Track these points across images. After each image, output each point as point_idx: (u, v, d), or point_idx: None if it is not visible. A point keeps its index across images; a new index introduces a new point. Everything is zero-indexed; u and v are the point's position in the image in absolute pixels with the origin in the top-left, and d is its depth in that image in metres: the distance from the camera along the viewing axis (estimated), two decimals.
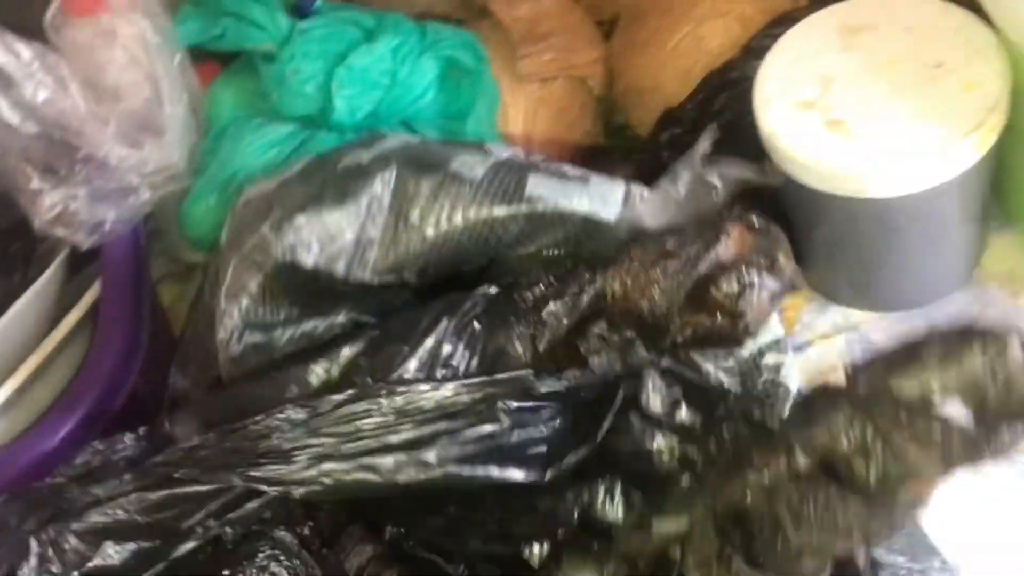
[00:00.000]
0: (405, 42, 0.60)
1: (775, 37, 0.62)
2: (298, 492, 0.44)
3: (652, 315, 0.44)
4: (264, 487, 0.44)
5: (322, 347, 0.46)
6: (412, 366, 0.44)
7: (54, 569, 0.45)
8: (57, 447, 0.53)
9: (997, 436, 0.38)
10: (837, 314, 0.65)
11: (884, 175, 0.53)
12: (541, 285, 0.46)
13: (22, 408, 0.58)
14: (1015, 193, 0.63)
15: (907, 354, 0.41)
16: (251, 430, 0.44)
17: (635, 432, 0.46)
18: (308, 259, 0.45)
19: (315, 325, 0.49)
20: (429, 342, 0.45)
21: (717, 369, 0.47)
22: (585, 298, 0.45)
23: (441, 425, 0.44)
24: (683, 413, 0.46)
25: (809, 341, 0.64)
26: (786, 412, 0.47)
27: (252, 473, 0.44)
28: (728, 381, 0.47)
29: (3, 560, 0.45)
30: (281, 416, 0.44)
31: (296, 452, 0.44)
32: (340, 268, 0.46)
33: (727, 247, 0.44)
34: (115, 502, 0.45)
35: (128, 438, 0.50)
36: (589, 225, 0.47)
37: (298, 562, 0.45)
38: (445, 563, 0.47)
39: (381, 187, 0.46)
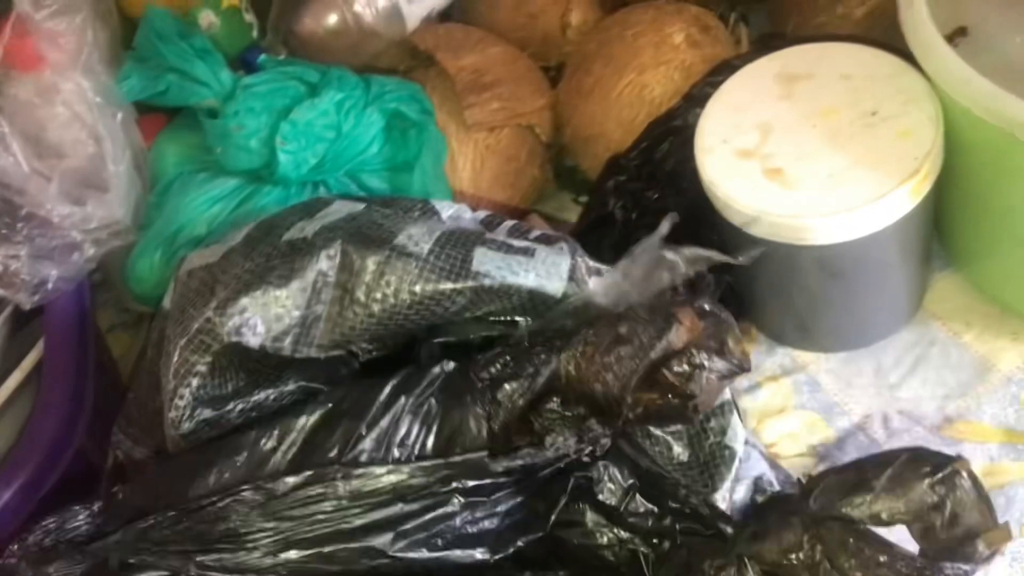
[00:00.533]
0: (349, 96, 0.60)
1: (716, 85, 0.63)
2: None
3: (605, 397, 0.44)
4: None
5: (273, 417, 0.46)
6: (367, 446, 0.44)
7: None
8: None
9: (940, 570, 0.39)
10: (784, 356, 0.65)
11: (822, 223, 0.54)
12: (498, 364, 0.45)
13: None
14: (954, 235, 0.64)
15: (857, 476, 0.41)
16: (208, 511, 0.43)
17: (587, 525, 0.46)
18: (254, 340, 0.45)
19: (267, 395, 0.48)
20: (385, 421, 0.44)
21: (665, 434, 0.47)
22: (540, 379, 0.45)
23: (395, 509, 0.44)
24: (636, 502, 0.46)
25: (758, 383, 0.65)
26: (730, 476, 0.47)
27: (209, 561, 0.43)
28: (676, 445, 0.47)
29: None
30: (238, 497, 0.43)
31: (254, 537, 0.43)
32: (286, 346, 0.45)
33: (679, 334, 0.45)
34: None
35: (81, 515, 0.49)
36: (535, 297, 0.47)
37: None
38: None
39: (327, 263, 0.46)
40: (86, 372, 0.58)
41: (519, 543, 0.45)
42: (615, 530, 0.46)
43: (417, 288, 0.46)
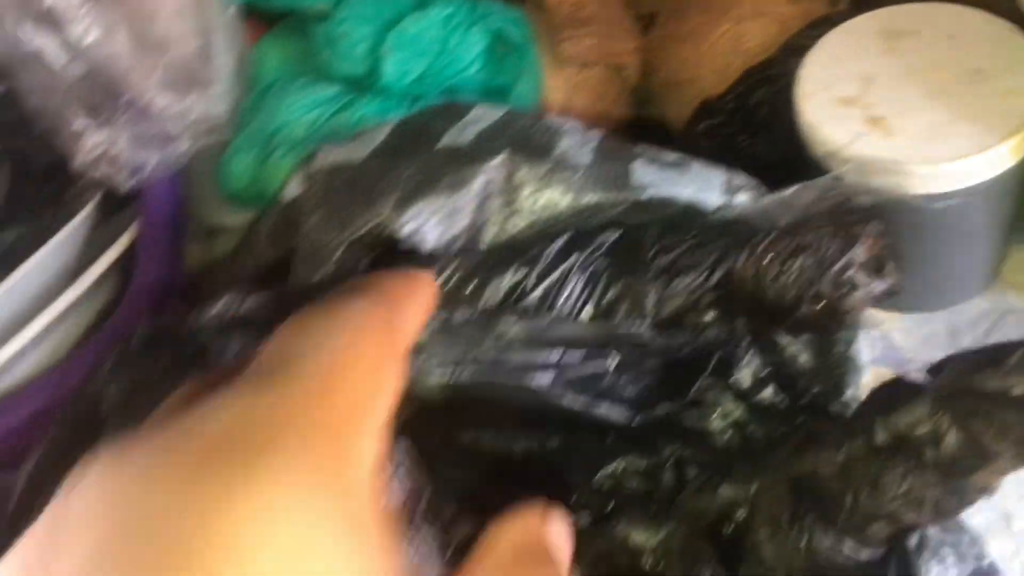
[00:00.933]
0: (457, 12, 0.61)
1: (814, 38, 0.63)
2: (422, 387, 0.45)
3: (777, 303, 0.45)
4: None
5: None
6: (537, 295, 0.45)
7: None
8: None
9: None
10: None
11: (921, 171, 0.54)
12: (675, 252, 0.46)
13: (50, 344, 0.58)
14: None
15: (988, 354, 0.42)
16: None
17: (714, 402, 0.48)
18: (428, 243, 0.46)
19: None
20: (555, 275, 0.45)
21: (796, 340, 0.48)
22: (715, 276, 0.46)
23: (556, 355, 0.46)
24: (767, 392, 0.48)
25: None
26: (855, 386, 0.48)
27: None
28: (804, 353, 0.48)
29: None
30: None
31: (429, 350, 0.45)
32: (457, 247, 0.46)
33: (860, 252, 0.46)
34: None
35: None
36: (689, 211, 0.48)
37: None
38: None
39: (493, 172, 0.46)
40: (180, 254, 0.59)
41: (657, 410, 0.47)
42: (736, 413, 0.47)
43: (579, 198, 0.46)
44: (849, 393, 0.48)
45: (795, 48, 0.65)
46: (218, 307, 0.48)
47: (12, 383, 0.57)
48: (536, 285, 0.46)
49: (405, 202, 0.46)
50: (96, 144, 0.59)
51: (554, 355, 0.46)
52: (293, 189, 0.51)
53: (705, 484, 0.47)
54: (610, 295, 0.46)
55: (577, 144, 0.48)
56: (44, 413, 0.54)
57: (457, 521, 0.49)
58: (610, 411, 0.47)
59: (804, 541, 0.43)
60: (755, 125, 0.65)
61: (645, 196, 0.47)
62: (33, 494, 0.47)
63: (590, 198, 0.46)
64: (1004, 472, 0.41)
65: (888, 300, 0.48)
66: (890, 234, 0.48)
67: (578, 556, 0.49)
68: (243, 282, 0.55)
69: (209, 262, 0.73)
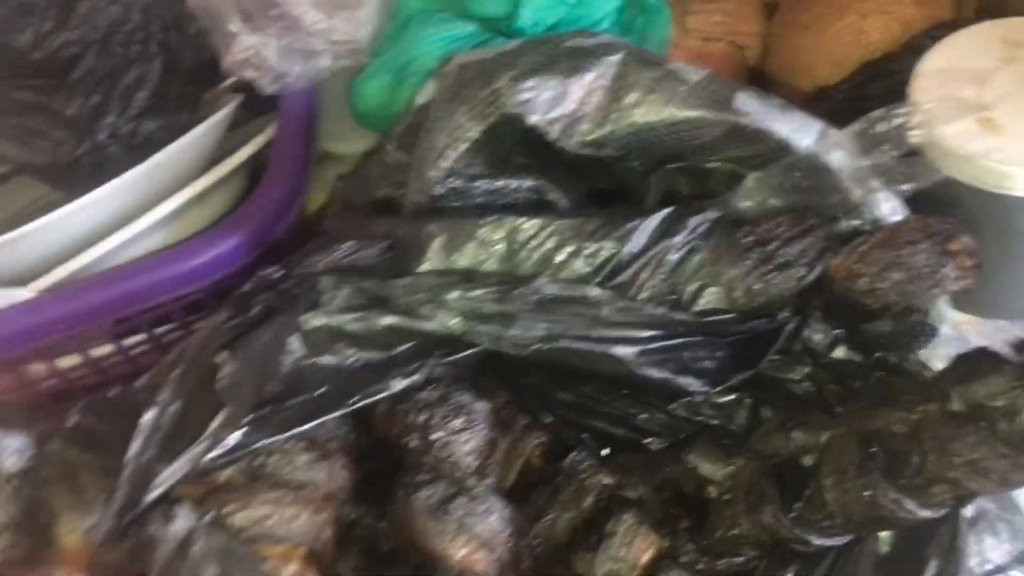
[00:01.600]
0: None
1: (935, 39, 0.65)
2: (516, 351, 0.48)
3: (868, 308, 0.49)
4: (485, 342, 0.49)
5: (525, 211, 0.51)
6: (628, 274, 0.49)
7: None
8: (226, 259, 0.59)
9: None
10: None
11: None
12: (772, 244, 0.50)
13: (178, 227, 0.63)
14: None
15: None
16: (491, 291, 0.48)
17: (790, 358, 0.51)
18: (533, 117, 0.49)
19: (507, 183, 0.53)
20: (647, 256, 0.49)
21: None
22: (811, 275, 0.50)
23: (642, 333, 0.49)
24: (840, 351, 0.51)
25: None
26: (929, 350, 0.50)
27: (483, 329, 0.49)
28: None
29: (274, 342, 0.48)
30: (522, 288, 0.48)
31: (522, 316, 0.48)
32: (555, 131, 0.50)
33: (951, 270, 0.49)
34: (348, 313, 0.48)
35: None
36: (782, 150, 0.50)
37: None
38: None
39: (607, 68, 0.50)
40: (309, 160, 0.63)
41: (732, 380, 0.50)
42: (812, 369, 0.50)
43: (679, 111, 0.50)
44: (923, 353, 0.51)
45: (916, 48, 0.67)
46: (334, 254, 0.53)
47: (137, 257, 0.62)
48: (629, 263, 0.50)
49: (521, 78, 0.50)
50: (247, 47, 0.64)
51: (639, 333, 0.49)
52: (425, 96, 0.55)
53: (779, 427, 0.49)
54: (701, 280, 0.49)
55: (688, 68, 0.51)
56: (163, 284, 0.59)
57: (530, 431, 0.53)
58: (689, 383, 0.49)
59: (868, 493, 0.46)
60: (866, 115, 0.66)
61: (744, 121, 0.50)
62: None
63: (691, 113, 0.49)
64: None
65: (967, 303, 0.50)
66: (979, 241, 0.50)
67: (647, 477, 0.52)
68: (364, 205, 0.60)
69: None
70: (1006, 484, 0.44)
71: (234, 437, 0.45)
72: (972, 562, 0.49)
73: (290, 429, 0.46)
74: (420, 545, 0.47)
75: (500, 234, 0.51)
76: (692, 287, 0.50)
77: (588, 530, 0.49)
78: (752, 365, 0.50)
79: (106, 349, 0.63)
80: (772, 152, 0.52)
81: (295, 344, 0.48)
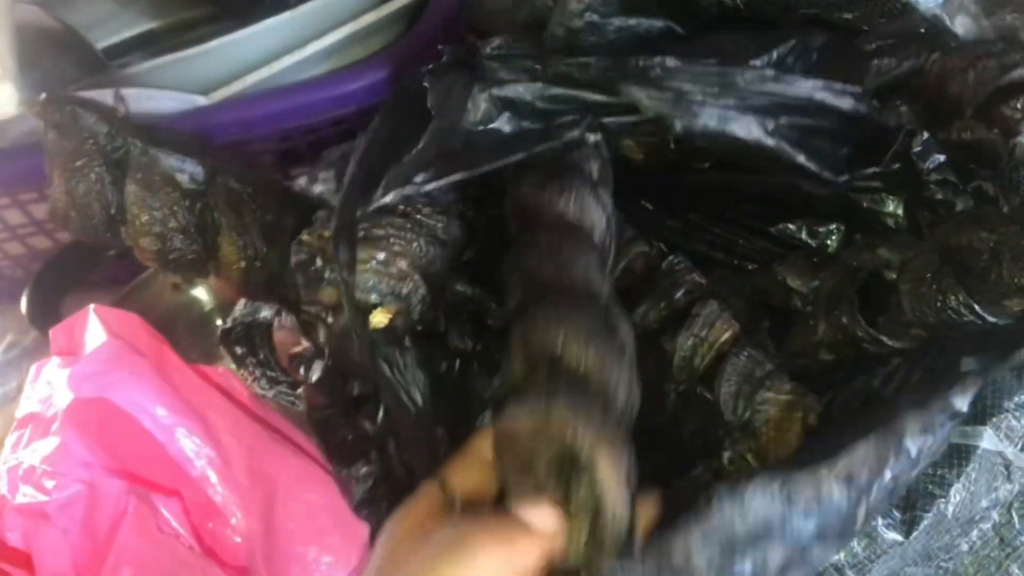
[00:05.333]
0: None
1: None
2: (676, 124, 0.51)
3: (958, 99, 0.51)
4: (647, 107, 0.51)
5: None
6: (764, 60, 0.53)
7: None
8: (375, 88, 0.66)
9: None
10: None
11: None
12: (885, 48, 0.54)
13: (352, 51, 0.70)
14: None
15: None
16: (639, 66, 0.51)
17: (882, 189, 0.54)
18: None
19: (639, 22, 0.57)
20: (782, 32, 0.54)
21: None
22: (907, 65, 0.53)
23: (781, 112, 0.52)
24: (941, 179, 0.53)
25: None
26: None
27: (640, 92, 0.51)
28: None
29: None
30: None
31: (669, 87, 0.51)
32: None
33: None
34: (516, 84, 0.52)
35: None
36: (908, 8, 0.54)
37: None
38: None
39: None
40: (463, 8, 0.70)
41: (862, 170, 0.52)
42: (907, 199, 0.53)
43: None
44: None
45: None
46: (495, 43, 0.58)
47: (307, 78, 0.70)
48: (768, 46, 0.53)
49: None
50: None
51: (775, 110, 0.52)
52: None
53: (867, 244, 0.52)
54: (830, 60, 0.52)
55: None
56: (320, 103, 0.67)
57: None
58: (819, 167, 0.52)
59: (941, 298, 0.48)
60: None
61: None
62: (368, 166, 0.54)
63: None
64: None
65: None
66: None
67: (737, 290, 0.56)
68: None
69: None
70: None
71: (432, 165, 0.49)
72: None
73: (471, 169, 0.50)
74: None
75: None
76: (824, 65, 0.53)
77: (677, 321, 0.53)
78: (874, 163, 0.53)
79: None
80: (899, 11, 0.55)
81: (469, 110, 0.51)
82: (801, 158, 0.52)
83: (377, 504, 0.50)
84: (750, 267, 0.57)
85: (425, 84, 0.52)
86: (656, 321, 0.54)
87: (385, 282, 0.48)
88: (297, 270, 0.49)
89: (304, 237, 0.50)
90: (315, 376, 0.52)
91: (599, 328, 0.44)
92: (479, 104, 0.51)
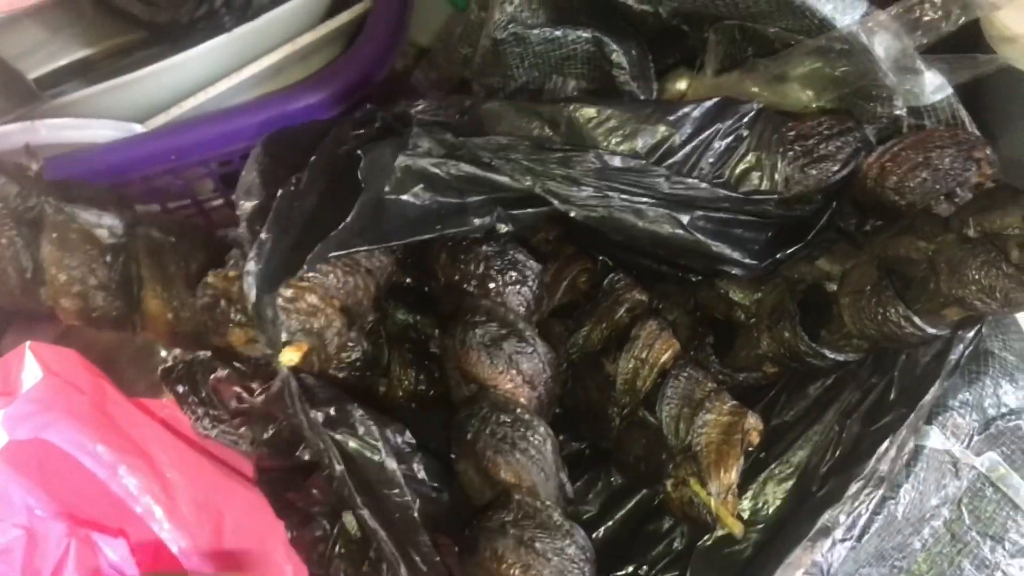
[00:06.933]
0: None
1: None
2: (577, 214, 0.52)
3: (895, 204, 0.53)
4: (555, 201, 0.52)
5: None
6: (681, 154, 0.52)
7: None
8: (316, 108, 0.65)
9: None
10: None
11: None
12: (815, 137, 0.54)
13: (284, 78, 0.69)
14: None
15: None
16: (556, 156, 0.51)
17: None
18: None
19: (565, 33, 0.57)
20: (697, 140, 0.52)
21: None
22: (845, 170, 0.53)
23: (698, 206, 0.53)
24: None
25: None
26: None
27: (550, 186, 0.52)
28: None
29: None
30: (586, 155, 0.51)
31: (585, 182, 0.52)
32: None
33: (974, 176, 0.53)
34: (430, 158, 0.51)
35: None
36: (824, 26, 0.54)
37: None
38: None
39: None
40: (400, 30, 0.69)
41: (778, 256, 0.53)
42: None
43: None
44: None
45: None
46: (421, 106, 0.58)
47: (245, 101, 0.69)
48: (681, 146, 0.53)
49: None
50: None
51: (695, 204, 0.52)
52: None
53: (806, 255, 0.53)
54: (746, 165, 0.52)
55: None
56: (259, 127, 0.66)
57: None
58: (740, 256, 0.53)
59: (881, 311, 0.49)
60: None
61: None
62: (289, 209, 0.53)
63: None
64: None
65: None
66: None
67: (680, 303, 0.56)
68: (447, 61, 0.65)
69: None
70: (1010, 305, 0.46)
71: (356, 237, 0.48)
72: (987, 403, 0.52)
73: (379, 243, 0.50)
74: (473, 375, 0.52)
75: (563, 116, 0.53)
76: (738, 171, 0.54)
77: (619, 340, 0.53)
78: (794, 244, 0.54)
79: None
80: (817, 29, 0.55)
81: (387, 178, 0.51)
82: (721, 249, 0.52)
83: (332, 564, 0.49)
84: (693, 279, 0.57)
85: (358, 152, 0.51)
86: (598, 342, 0.54)
87: (294, 318, 0.47)
88: (204, 313, 0.48)
89: (209, 279, 0.49)
90: (265, 436, 0.51)
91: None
92: (398, 174, 0.51)
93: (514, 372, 0.50)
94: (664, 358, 0.51)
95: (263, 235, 0.46)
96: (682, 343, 0.52)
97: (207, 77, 0.68)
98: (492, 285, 0.53)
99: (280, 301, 0.45)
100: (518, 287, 0.53)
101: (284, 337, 0.45)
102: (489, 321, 0.51)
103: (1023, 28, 0.59)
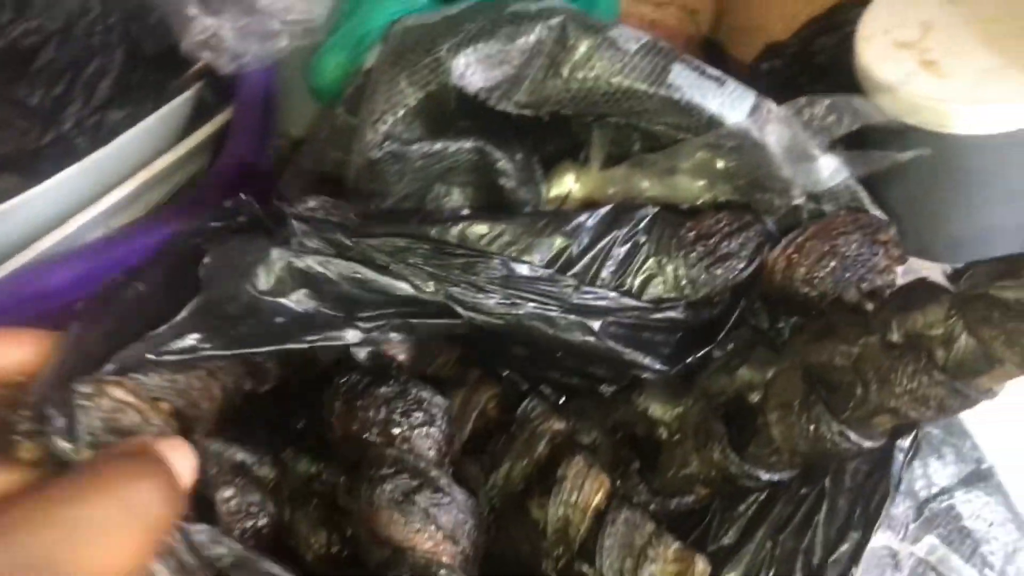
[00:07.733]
0: None
1: None
2: (481, 320, 0.49)
3: (804, 297, 0.51)
4: (459, 308, 0.48)
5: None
6: (582, 264, 0.50)
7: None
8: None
9: None
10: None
11: (968, 111, 0.57)
12: (715, 237, 0.52)
13: (144, 203, 0.64)
14: None
15: (1008, 265, 0.43)
16: (459, 261, 0.48)
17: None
18: (475, 84, 0.51)
19: (447, 146, 0.54)
20: (596, 249, 0.50)
21: None
22: (749, 269, 0.52)
23: (606, 313, 0.50)
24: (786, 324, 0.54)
25: None
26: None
27: (455, 293, 0.48)
28: None
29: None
30: (491, 261, 0.48)
31: (491, 290, 0.49)
32: (494, 98, 0.51)
33: (882, 259, 0.52)
34: (319, 256, 0.47)
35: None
36: (713, 123, 0.52)
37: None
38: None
39: (546, 33, 0.51)
40: (267, 135, 0.65)
41: (688, 359, 0.51)
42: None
43: (615, 80, 0.51)
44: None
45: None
46: (309, 204, 0.53)
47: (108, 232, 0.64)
48: (580, 256, 0.50)
49: (461, 46, 0.51)
50: (204, 29, 0.65)
51: (601, 313, 0.50)
52: (372, 59, 0.56)
53: (724, 365, 0.50)
54: (648, 271, 0.50)
55: (628, 34, 0.52)
56: (132, 255, 0.60)
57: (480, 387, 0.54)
58: (650, 362, 0.50)
59: (812, 427, 0.46)
60: (815, 68, 0.68)
61: (675, 96, 0.51)
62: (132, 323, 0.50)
63: (627, 83, 0.50)
64: (1008, 378, 0.44)
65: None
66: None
67: (598, 423, 0.53)
68: (314, 169, 0.61)
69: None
70: (944, 411, 0.44)
71: (192, 338, 0.43)
72: (918, 485, 0.50)
73: (239, 348, 0.45)
74: (385, 536, 0.46)
75: (452, 235, 0.50)
76: (640, 278, 0.52)
77: (542, 476, 0.49)
78: (705, 345, 0.52)
79: None
80: (705, 126, 0.53)
81: (260, 276, 0.46)
82: (634, 356, 0.50)
83: None
84: (607, 388, 0.54)
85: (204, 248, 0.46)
86: (520, 480, 0.50)
87: (94, 416, 0.38)
88: None
89: None
90: None
91: None
92: (273, 272, 0.46)
93: (432, 528, 0.46)
94: (596, 500, 0.48)
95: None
96: (606, 469, 0.49)
97: (63, 211, 0.62)
98: (396, 431, 0.48)
99: (76, 398, 0.39)
100: (425, 428, 0.49)
101: (85, 438, 0.39)
102: (398, 473, 0.47)
103: (895, 76, 0.59)
